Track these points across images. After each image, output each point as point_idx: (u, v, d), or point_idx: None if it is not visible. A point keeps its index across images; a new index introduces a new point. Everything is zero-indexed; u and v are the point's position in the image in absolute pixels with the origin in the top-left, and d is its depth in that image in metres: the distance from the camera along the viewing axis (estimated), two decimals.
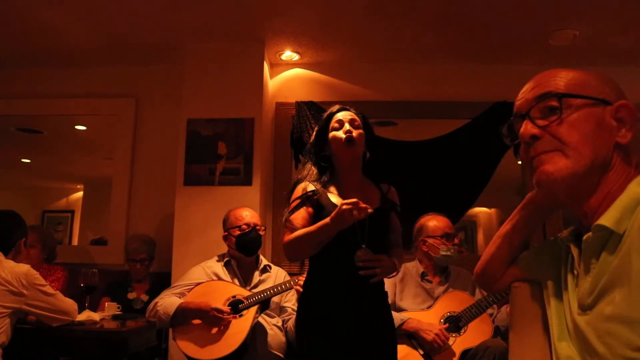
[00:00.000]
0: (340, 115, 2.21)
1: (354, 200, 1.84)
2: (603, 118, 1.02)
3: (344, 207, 1.83)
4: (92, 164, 4.72)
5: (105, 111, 4.21)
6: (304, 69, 4.14)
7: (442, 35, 3.66)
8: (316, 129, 2.29)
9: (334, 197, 2.10)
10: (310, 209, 2.11)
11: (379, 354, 2.08)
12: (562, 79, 1.07)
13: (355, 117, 2.21)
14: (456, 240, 3.05)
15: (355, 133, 2.14)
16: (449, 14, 3.36)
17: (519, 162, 3.94)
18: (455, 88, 4.02)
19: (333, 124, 2.20)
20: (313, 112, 3.94)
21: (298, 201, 2.12)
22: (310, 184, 2.16)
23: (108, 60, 4.13)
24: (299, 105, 3.98)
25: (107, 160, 4.28)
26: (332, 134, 2.19)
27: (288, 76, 4.15)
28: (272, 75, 4.11)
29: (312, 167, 2.23)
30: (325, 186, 2.15)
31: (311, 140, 2.30)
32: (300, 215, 2.09)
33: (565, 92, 1.04)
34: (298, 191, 2.16)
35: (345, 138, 2.12)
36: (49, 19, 3.46)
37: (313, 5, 3.30)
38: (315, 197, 2.11)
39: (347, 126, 2.15)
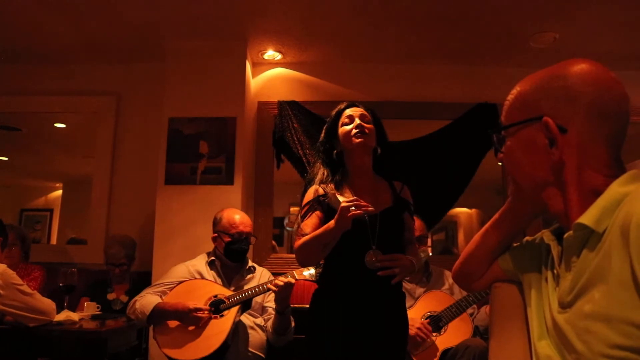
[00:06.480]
0: (350, 111, 2.19)
1: (354, 198, 1.88)
2: (534, 138, 1.02)
3: (343, 205, 1.85)
4: (71, 162, 4.68)
5: (86, 109, 4.17)
6: (287, 68, 4.14)
7: (424, 36, 3.68)
8: (325, 126, 2.26)
9: (343, 199, 2.03)
10: (320, 214, 2.10)
11: (388, 355, 2.06)
12: (507, 103, 1.11)
13: (365, 112, 2.19)
14: (428, 242, 3.06)
15: (366, 127, 2.13)
16: (432, 15, 3.38)
17: (500, 163, 3.97)
18: (437, 89, 4.05)
19: (343, 119, 2.18)
20: (295, 112, 3.94)
21: (307, 207, 2.12)
22: (320, 187, 2.14)
23: (88, 58, 4.09)
24: (281, 104, 3.97)
25: (87, 159, 4.25)
26: (342, 129, 2.17)
27: (270, 75, 4.14)
28: (254, 75, 4.10)
29: (322, 167, 2.21)
30: (337, 187, 2.13)
31: (320, 138, 2.26)
32: (310, 222, 2.09)
33: (500, 126, 1.11)
34: (309, 195, 2.15)
35: (356, 129, 2.10)
36: (28, 15, 3.42)
37: (296, 5, 3.29)
38: (326, 201, 2.10)
39: (357, 121, 2.13)
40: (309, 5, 3.30)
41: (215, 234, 2.98)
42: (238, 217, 2.98)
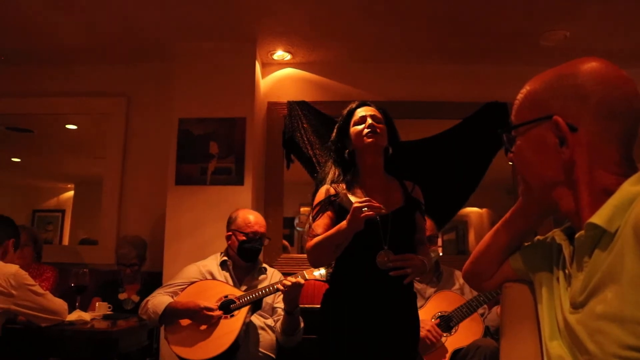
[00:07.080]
0: (362, 111, 2.18)
1: (366, 199, 1.87)
2: (544, 137, 1.02)
3: (355, 205, 1.84)
4: (82, 164, 4.70)
5: (96, 110, 4.19)
6: (296, 68, 4.14)
7: (433, 36, 3.67)
8: (336, 125, 2.25)
9: (355, 199, 2.01)
10: (332, 214, 2.10)
11: (396, 356, 2.04)
12: (517, 102, 1.10)
13: (377, 112, 2.19)
14: (438, 242, 3.04)
15: (378, 127, 2.12)
16: (440, 14, 3.37)
17: (510, 163, 3.95)
18: (446, 88, 4.03)
19: (355, 119, 2.17)
20: (305, 112, 3.94)
21: (319, 207, 2.11)
22: (332, 187, 2.13)
23: (99, 59, 4.11)
24: (291, 105, 3.97)
25: (98, 160, 4.26)
26: (353, 128, 2.16)
27: (280, 76, 4.14)
28: (263, 75, 4.10)
29: (333, 167, 2.20)
30: (348, 187, 2.11)
31: (332, 137, 2.25)
32: (322, 222, 2.09)
33: (510, 125, 1.10)
34: (320, 195, 2.14)
35: (368, 129, 2.10)
36: (39, 17, 3.44)
37: (305, 5, 3.29)
38: (337, 200, 2.08)
39: (369, 120, 2.13)
40: (318, 6, 3.30)
41: (230, 233, 2.98)
42: (253, 217, 2.99)
